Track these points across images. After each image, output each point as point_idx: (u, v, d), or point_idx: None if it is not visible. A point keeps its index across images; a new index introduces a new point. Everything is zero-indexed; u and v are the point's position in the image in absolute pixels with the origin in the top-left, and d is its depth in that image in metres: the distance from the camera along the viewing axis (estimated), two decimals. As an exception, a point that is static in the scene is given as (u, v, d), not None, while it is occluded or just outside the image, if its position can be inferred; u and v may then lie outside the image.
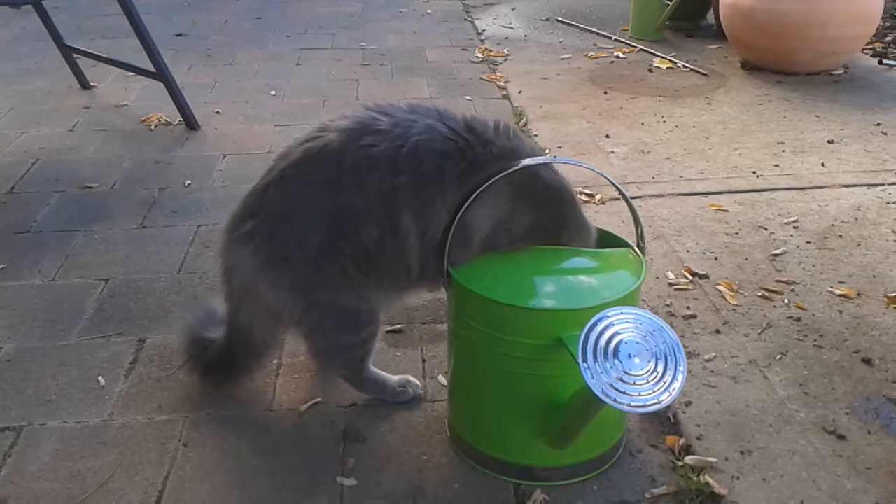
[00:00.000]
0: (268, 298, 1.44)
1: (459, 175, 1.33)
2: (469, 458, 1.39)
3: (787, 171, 2.51)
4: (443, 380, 1.60)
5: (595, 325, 1.05)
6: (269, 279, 1.41)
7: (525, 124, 2.90)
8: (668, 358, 1.03)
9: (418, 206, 1.34)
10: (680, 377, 1.02)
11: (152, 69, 2.82)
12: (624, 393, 1.01)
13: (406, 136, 1.35)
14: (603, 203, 2.28)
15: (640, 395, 1.01)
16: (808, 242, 2.08)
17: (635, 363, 1.03)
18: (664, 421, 1.48)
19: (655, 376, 1.02)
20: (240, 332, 1.52)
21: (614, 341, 1.03)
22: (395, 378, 1.56)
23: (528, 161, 1.32)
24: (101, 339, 1.73)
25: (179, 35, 4.10)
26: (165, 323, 1.77)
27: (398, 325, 1.76)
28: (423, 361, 1.66)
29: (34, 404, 1.54)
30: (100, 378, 1.61)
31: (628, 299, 1.24)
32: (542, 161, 1.36)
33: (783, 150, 2.66)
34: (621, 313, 1.07)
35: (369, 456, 1.41)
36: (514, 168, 1.29)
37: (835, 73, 3.41)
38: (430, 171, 1.33)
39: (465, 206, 1.29)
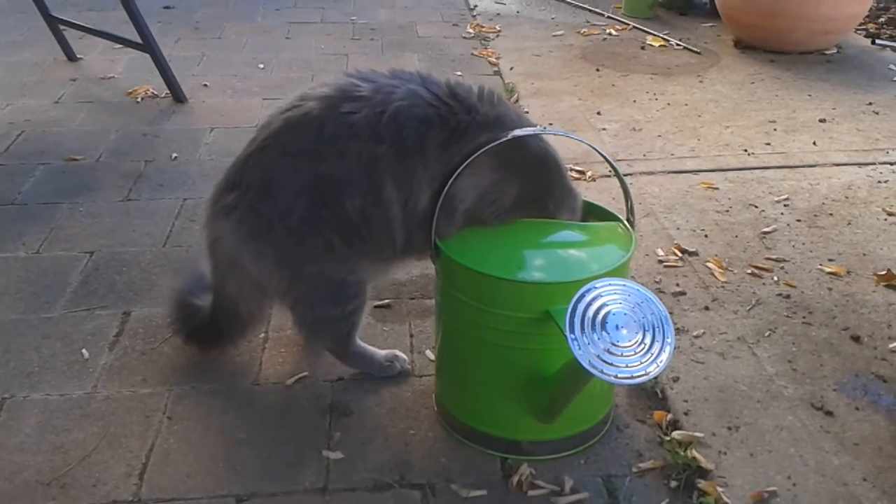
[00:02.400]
0: (252, 271, 1.42)
1: (442, 143, 1.32)
2: (456, 433, 1.39)
3: (779, 149, 2.50)
4: (430, 355, 1.59)
5: (583, 296, 1.04)
6: (252, 251, 1.39)
7: (516, 101, 2.87)
8: (656, 329, 1.02)
9: (400, 176, 1.32)
10: (668, 349, 1.01)
11: (139, 41, 2.78)
12: (611, 364, 1.00)
13: (387, 101, 1.33)
14: (594, 180, 2.27)
15: (627, 366, 1.00)
16: (799, 220, 2.08)
17: (623, 335, 1.02)
18: (651, 396, 1.47)
19: (643, 348, 1.01)
20: (225, 304, 1.50)
21: (602, 312, 1.02)
22: (382, 352, 1.55)
23: (517, 132, 1.30)
24: (86, 311, 1.71)
25: (167, 7, 4.05)
26: (150, 296, 1.75)
27: (386, 300, 1.74)
28: (411, 336, 1.65)
29: (17, 376, 1.52)
30: (84, 351, 1.59)
31: (617, 272, 1.23)
32: (532, 132, 1.34)
33: (775, 129, 2.65)
34: (609, 284, 1.06)
35: (356, 430, 1.41)
36: (504, 139, 1.28)
37: (827, 52, 3.39)
38: (412, 140, 1.31)
39: (453, 178, 1.28)
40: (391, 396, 1.49)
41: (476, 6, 4.14)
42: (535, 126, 1.38)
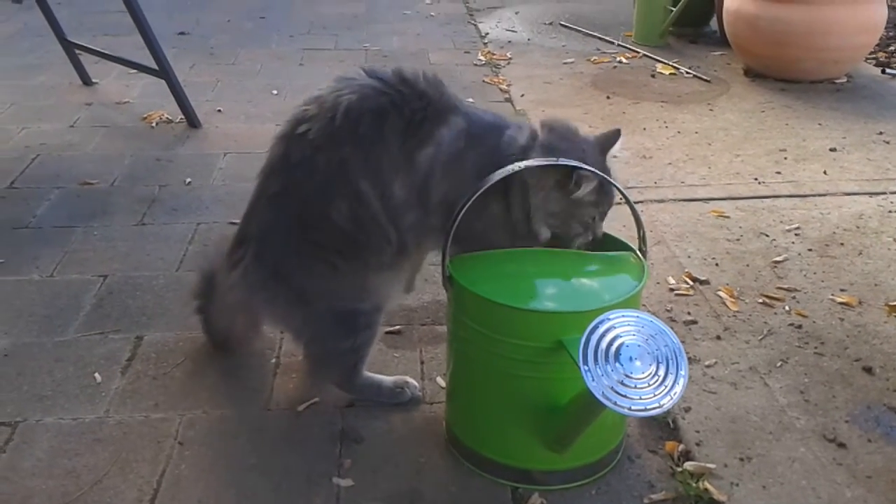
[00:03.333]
0: (268, 317, 1.50)
1: (401, 132, 1.35)
2: (467, 461, 1.38)
3: (789, 178, 2.50)
4: (441, 381, 1.59)
5: (596, 327, 1.04)
6: (263, 299, 1.44)
7: (527, 128, 2.89)
8: (670, 362, 1.02)
9: (369, 171, 1.35)
10: (681, 381, 1.01)
11: (155, 66, 2.81)
12: (625, 396, 1.00)
13: (336, 104, 1.36)
14: (604, 207, 2.28)
15: (640, 398, 1.00)
16: (810, 250, 2.08)
17: (636, 366, 1.02)
18: (663, 426, 1.47)
19: (657, 380, 1.01)
20: (220, 334, 1.62)
21: (615, 344, 1.03)
22: (390, 379, 1.55)
23: (529, 163, 1.32)
24: (99, 335, 1.72)
25: (182, 33, 4.09)
26: (163, 320, 1.76)
27: (397, 326, 1.75)
28: (422, 363, 1.65)
29: (30, 400, 1.53)
30: (96, 375, 1.60)
31: (630, 303, 1.23)
32: (545, 163, 1.35)
33: (785, 158, 2.65)
34: (623, 316, 1.06)
35: (366, 457, 1.41)
36: (516, 169, 1.29)
37: (837, 81, 3.40)
38: (370, 135, 1.34)
39: (462, 209, 1.28)
40: (402, 423, 1.49)
41: (487, 34, 4.17)
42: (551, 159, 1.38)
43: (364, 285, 1.43)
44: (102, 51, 3.18)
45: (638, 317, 1.06)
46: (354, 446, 1.43)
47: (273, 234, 1.41)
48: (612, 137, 1.46)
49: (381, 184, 1.36)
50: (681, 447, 1.42)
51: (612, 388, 1.00)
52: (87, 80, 3.30)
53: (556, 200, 1.39)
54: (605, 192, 1.41)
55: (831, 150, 2.71)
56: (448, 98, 1.41)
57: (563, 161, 1.34)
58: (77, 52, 3.27)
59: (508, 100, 3.20)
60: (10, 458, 1.39)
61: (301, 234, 1.39)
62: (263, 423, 1.49)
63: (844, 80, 3.42)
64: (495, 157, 1.37)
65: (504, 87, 3.35)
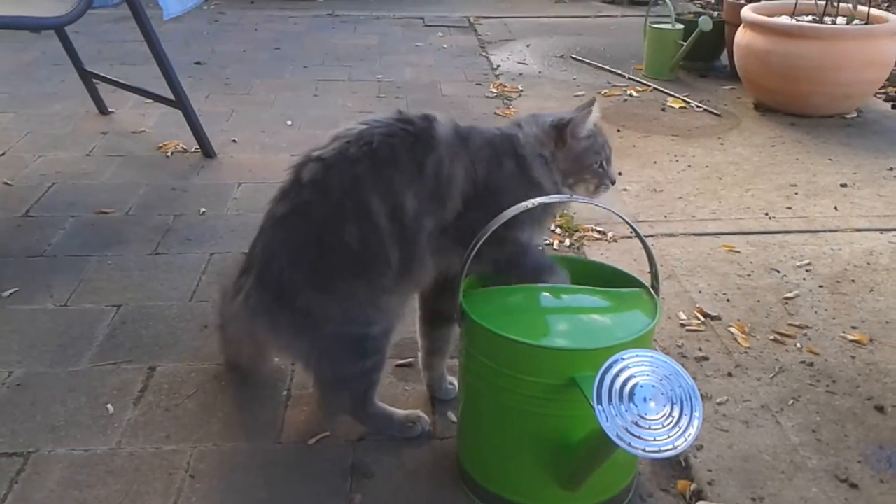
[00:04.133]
0: (272, 343, 1.50)
1: (410, 150, 1.39)
2: (478, 498, 1.38)
3: (800, 213, 2.51)
4: (452, 416, 1.59)
5: (610, 367, 1.04)
6: (266, 323, 1.45)
7: (538, 160, 2.90)
8: (684, 403, 1.02)
9: (381, 187, 1.38)
10: (696, 423, 1.01)
11: (171, 96, 2.84)
12: (639, 437, 1.00)
13: (349, 133, 1.42)
14: (615, 241, 2.29)
15: (654, 439, 1.00)
16: (821, 286, 2.08)
17: (650, 407, 1.02)
18: (675, 465, 1.46)
19: (671, 421, 1.01)
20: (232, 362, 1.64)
21: (629, 384, 1.03)
22: (402, 413, 1.55)
23: (545, 199, 1.33)
24: (112, 365, 1.73)
25: (198, 63, 4.14)
26: (175, 351, 1.77)
27: (408, 360, 1.75)
28: (433, 397, 1.65)
29: (42, 430, 1.53)
30: (109, 405, 1.60)
31: (642, 341, 1.23)
32: (559, 199, 1.37)
33: (796, 193, 2.66)
34: (637, 356, 1.06)
35: (377, 492, 1.40)
36: (532, 205, 1.30)
37: (848, 116, 3.42)
38: (383, 151, 1.38)
39: (478, 243, 1.29)
40: (412, 458, 1.49)
41: (499, 66, 4.21)
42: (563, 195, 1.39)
43: (372, 308, 1.43)
44: (120, 81, 3.21)
45: (652, 357, 1.06)
46: (365, 481, 1.43)
47: (277, 256, 1.42)
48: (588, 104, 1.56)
49: (391, 200, 1.38)
50: (693, 486, 1.41)
51: (626, 428, 1.00)
52: (103, 109, 3.34)
53: (562, 160, 1.50)
54: (597, 136, 1.54)
55: (842, 185, 2.72)
56: (447, 121, 1.49)
57: (577, 199, 1.35)
58: (94, 81, 3.31)
59: (520, 132, 3.22)
60: (21, 490, 1.39)
61: (308, 254, 1.40)
62: (274, 456, 1.49)
63: (855, 115, 3.44)
64: (495, 142, 1.50)
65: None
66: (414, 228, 1.40)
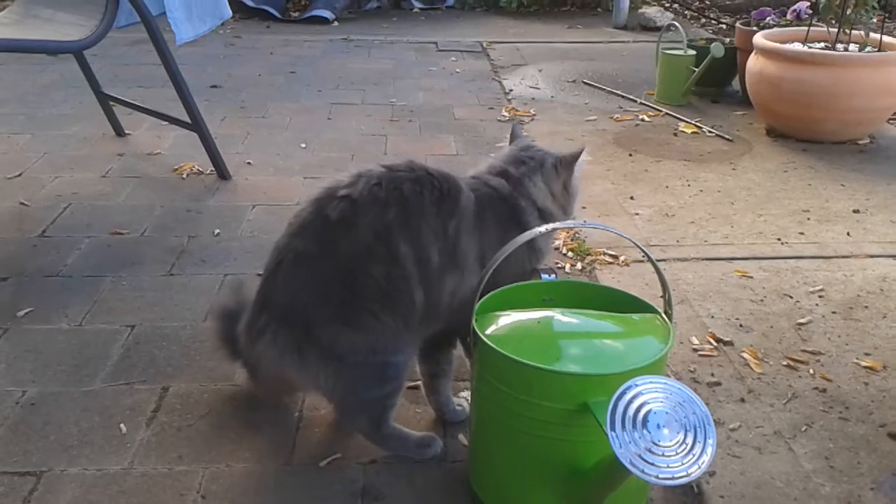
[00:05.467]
0: (300, 380, 1.50)
1: (435, 202, 1.44)
2: (489, 522, 1.38)
3: (813, 239, 2.51)
4: (463, 439, 1.59)
5: (624, 393, 1.04)
6: (295, 362, 1.44)
7: (550, 184, 2.91)
8: (698, 430, 1.02)
9: (410, 235, 1.41)
10: (709, 450, 1.01)
11: (187, 119, 2.87)
12: (652, 464, 1.00)
13: (373, 175, 1.44)
14: (627, 265, 2.29)
15: (668, 466, 1.00)
16: (834, 312, 2.07)
17: (664, 434, 1.02)
18: (688, 491, 1.46)
19: (685, 448, 1.01)
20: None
21: (643, 411, 1.03)
22: (417, 435, 1.55)
23: (554, 225, 1.35)
24: (125, 385, 1.74)
25: (214, 86, 4.19)
26: (188, 372, 1.78)
27: (418, 381, 1.75)
28: (443, 420, 1.66)
29: (56, 450, 1.54)
30: (122, 425, 1.61)
31: (655, 366, 1.23)
32: (573, 226, 1.38)
33: (808, 219, 2.66)
34: (650, 382, 1.06)
35: (388, 515, 1.41)
36: (544, 230, 1.32)
37: (860, 142, 3.42)
38: (413, 200, 1.42)
39: (490, 269, 1.32)
40: (423, 481, 1.49)
41: (511, 90, 4.24)
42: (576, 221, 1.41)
43: (396, 339, 1.45)
44: (136, 103, 3.25)
45: (666, 383, 1.06)
46: (376, 503, 1.43)
47: (302, 293, 1.42)
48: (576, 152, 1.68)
49: (419, 248, 1.42)
50: (705, 513, 1.41)
51: (639, 455, 1.00)
52: (119, 131, 3.38)
53: (561, 195, 1.67)
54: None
55: (854, 211, 2.72)
56: (456, 178, 1.54)
57: (591, 224, 1.36)
58: (111, 103, 3.35)
59: (532, 156, 3.23)
60: (34, 508, 1.40)
61: (335, 290, 1.40)
62: (285, 478, 1.49)
63: (867, 141, 3.44)
64: (503, 219, 1.56)
65: (527, 143, 3.38)
66: (438, 282, 1.43)
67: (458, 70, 4.71)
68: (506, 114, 3.80)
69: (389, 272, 1.40)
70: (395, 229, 1.40)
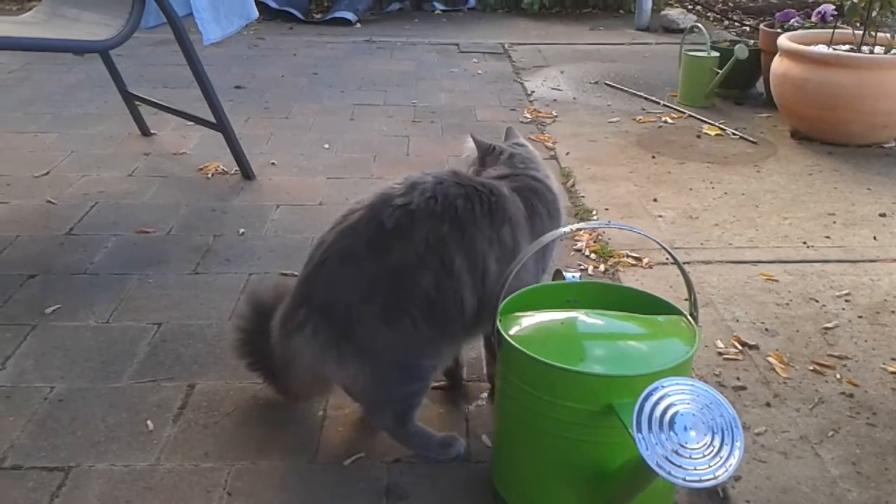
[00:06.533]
0: (337, 376, 1.51)
1: (485, 215, 1.48)
2: (512, 523, 1.38)
3: (838, 242, 2.49)
4: (487, 440, 1.59)
5: (650, 394, 1.04)
6: (335, 357, 1.45)
7: (572, 185, 2.91)
8: (725, 432, 1.02)
9: (466, 247, 1.45)
10: (737, 453, 1.01)
11: (212, 120, 2.89)
12: (679, 466, 1.00)
13: (427, 188, 1.46)
14: (650, 267, 2.28)
15: (695, 469, 1.00)
16: (861, 317, 2.05)
17: (691, 436, 1.01)
18: (713, 495, 1.45)
19: (712, 451, 1.01)
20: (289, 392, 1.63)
21: (669, 412, 1.03)
22: (440, 435, 1.56)
23: (580, 225, 1.37)
24: (152, 382, 1.75)
25: (238, 87, 4.21)
26: (214, 369, 1.80)
27: (442, 382, 1.76)
28: (467, 421, 1.66)
29: (83, 445, 1.56)
30: (148, 422, 1.63)
31: (681, 369, 1.23)
32: (597, 226, 1.38)
33: (834, 222, 2.64)
34: (677, 384, 1.06)
35: (411, 514, 1.41)
36: (566, 232, 1.32)
37: (886, 146, 3.38)
38: (465, 214, 1.45)
39: (519, 263, 1.34)
40: (446, 481, 1.49)
41: (533, 92, 4.23)
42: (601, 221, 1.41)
43: (432, 346, 1.47)
44: (162, 103, 3.28)
45: (693, 385, 1.06)
46: (399, 503, 1.43)
47: (347, 291, 1.43)
48: None
49: (474, 259, 1.45)
50: (730, 517, 1.40)
51: (666, 457, 1.00)
52: (145, 131, 3.41)
53: None
54: None
55: (881, 215, 2.69)
56: (499, 186, 1.57)
57: (616, 225, 1.36)
58: (136, 103, 3.38)
59: (554, 157, 3.23)
60: (62, 503, 1.42)
61: (382, 291, 1.42)
62: (310, 476, 1.50)
63: (893, 144, 3.40)
64: (543, 214, 1.61)
65: (549, 144, 3.38)
66: (494, 289, 1.44)
67: (479, 71, 4.71)
68: (528, 115, 3.80)
69: (440, 282, 1.43)
70: (450, 242, 1.44)
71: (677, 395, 1.04)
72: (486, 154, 1.72)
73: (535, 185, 1.63)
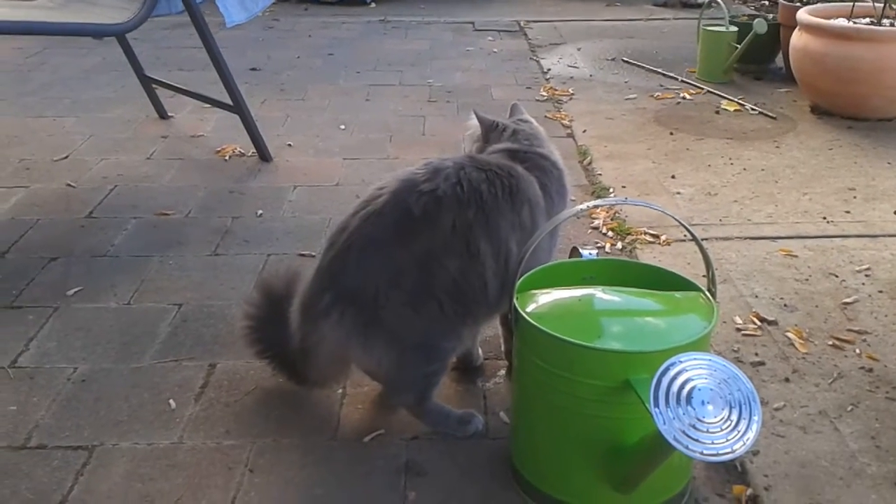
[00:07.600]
0: (363, 360, 1.52)
1: (506, 198, 1.49)
2: (531, 498, 1.39)
3: (859, 218, 2.46)
4: (504, 417, 1.60)
5: (667, 369, 1.04)
6: (361, 342, 1.46)
7: (589, 163, 2.90)
8: (743, 407, 1.02)
9: (490, 232, 1.46)
10: (754, 427, 1.01)
11: (229, 102, 2.90)
12: (697, 440, 1.00)
13: (451, 174, 1.47)
14: (668, 244, 2.27)
15: (713, 443, 1.00)
16: (881, 292, 2.04)
17: (708, 410, 1.02)
18: (731, 469, 1.45)
19: (729, 425, 1.01)
20: (312, 377, 1.62)
21: (687, 387, 1.03)
22: (458, 412, 1.57)
23: (596, 202, 1.36)
24: (173, 362, 1.78)
25: (254, 69, 4.22)
26: (235, 349, 1.81)
27: (454, 363, 1.76)
28: (485, 398, 1.67)
29: (107, 424, 1.58)
30: (171, 401, 1.65)
31: (699, 344, 1.23)
32: (613, 202, 1.37)
33: (854, 197, 2.61)
34: (694, 359, 1.06)
35: (430, 490, 1.42)
36: (582, 210, 1.32)
37: (907, 120, 3.34)
38: (490, 199, 1.46)
39: (535, 242, 1.35)
40: (465, 458, 1.50)
41: (549, 70, 4.21)
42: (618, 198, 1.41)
43: (454, 328, 1.49)
44: (179, 86, 3.29)
45: (710, 360, 1.06)
46: (418, 479, 1.45)
47: (374, 276, 1.44)
48: None
49: (498, 243, 1.47)
50: (749, 491, 1.40)
51: (683, 431, 1.00)
52: (163, 114, 3.42)
53: None
54: None
55: (902, 189, 2.67)
56: (516, 167, 1.58)
57: (633, 202, 1.36)
58: (154, 86, 3.40)
59: (570, 135, 3.22)
60: (87, 481, 1.44)
61: (409, 276, 1.43)
62: (330, 453, 1.52)
63: (915, 118, 3.36)
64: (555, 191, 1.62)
65: (566, 122, 3.37)
66: (516, 270, 1.43)
67: (495, 50, 4.68)
68: (544, 93, 3.78)
69: (465, 267, 1.45)
70: (476, 227, 1.45)
71: (695, 370, 1.04)
72: (490, 131, 1.71)
73: (543, 164, 1.63)
